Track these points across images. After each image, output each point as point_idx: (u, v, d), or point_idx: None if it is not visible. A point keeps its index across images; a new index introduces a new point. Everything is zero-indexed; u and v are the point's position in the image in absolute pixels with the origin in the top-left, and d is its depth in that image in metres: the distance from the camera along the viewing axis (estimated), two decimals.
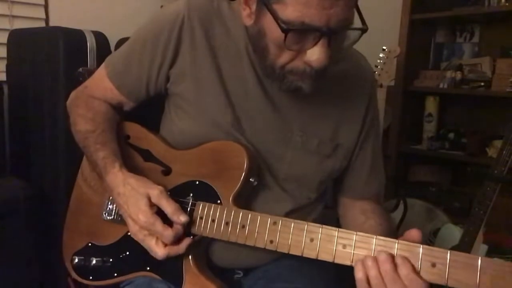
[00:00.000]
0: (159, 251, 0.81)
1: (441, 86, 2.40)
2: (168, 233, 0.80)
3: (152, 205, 0.82)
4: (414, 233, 0.69)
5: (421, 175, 2.55)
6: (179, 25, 0.88)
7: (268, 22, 0.75)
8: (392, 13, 2.51)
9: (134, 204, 0.82)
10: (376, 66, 2.05)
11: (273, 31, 0.75)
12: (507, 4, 2.19)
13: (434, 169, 2.54)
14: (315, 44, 0.74)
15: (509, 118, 1.61)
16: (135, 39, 0.96)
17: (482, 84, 2.27)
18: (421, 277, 0.65)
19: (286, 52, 0.77)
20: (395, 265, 0.66)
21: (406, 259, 0.66)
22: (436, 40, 2.66)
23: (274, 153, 0.91)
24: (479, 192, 1.51)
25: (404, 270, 0.65)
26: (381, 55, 2.06)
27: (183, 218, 0.81)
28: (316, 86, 0.81)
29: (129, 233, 0.85)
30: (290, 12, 0.71)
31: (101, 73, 0.99)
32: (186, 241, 0.82)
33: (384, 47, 2.06)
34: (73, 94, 1.04)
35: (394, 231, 0.71)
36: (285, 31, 0.72)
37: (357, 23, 0.77)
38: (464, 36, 2.57)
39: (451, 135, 2.46)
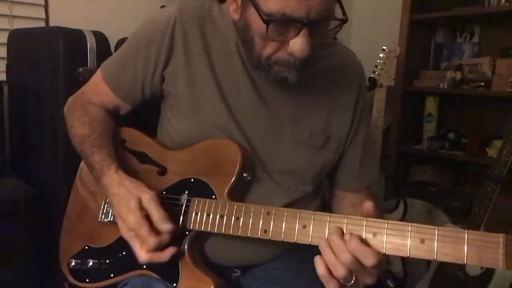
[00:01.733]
0: (142, 255, 0.81)
1: (441, 86, 2.40)
2: (152, 240, 0.80)
3: (142, 208, 0.83)
4: (367, 205, 0.71)
5: (421, 175, 2.55)
6: (171, 27, 0.91)
7: (252, 14, 0.78)
8: (392, 13, 2.51)
9: (125, 204, 0.83)
10: (376, 66, 2.05)
11: (256, 23, 0.78)
12: (507, 4, 2.19)
13: (434, 169, 2.54)
14: (297, 34, 0.76)
15: (509, 118, 1.61)
16: (129, 43, 0.98)
17: (482, 84, 2.27)
18: (371, 247, 0.67)
19: (270, 44, 0.80)
20: (344, 241, 0.68)
21: (353, 234, 0.68)
22: (436, 40, 2.66)
23: (267, 147, 0.92)
24: (479, 192, 1.52)
25: (353, 244, 0.67)
26: (381, 55, 2.06)
27: (168, 226, 0.81)
28: (304, 78, 0.84)
29: None
30: (271, 4, 0.74)
31: (97, 77, 1.01)
32: (171, 250, 0.83)
33: (384, 47, 2.06)
34: (70, 100, 1.06)
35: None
36: (266, 23, 0.75)
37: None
38: (464, 36, 2.57)
39: (451, 135, 2.46)
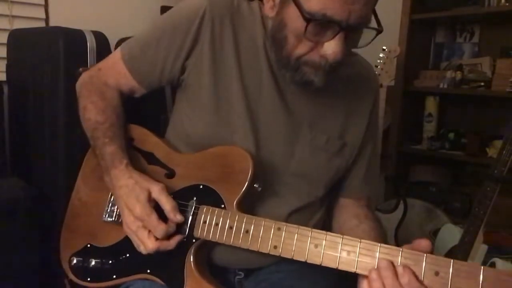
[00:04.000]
0: (150, 244, 0.82)
1: (441, 86, 2.40)
2: (162, 227, 0.82)
3: (151, 199, 0.84)
4: (424, 243, 0.69)
5: (421, 175, 2.55)
6: (199, 18, 0.90)
7: (291, 13, 0.78)
8: (392, 13, 2.51)
9: (135, 196, 0.84)
10: (376, 66, 2.05)
11: (294, 21, 0.78)
12: (507, 4, 2.19)
13: (434, 169, 2.54)
14: (333, 37, 0.77)
15: (509, 118, 1.61)
16: (155, 27, 0.97)
17: (482, 84, 2.27)
18: (423, 284, 0.66)
19: (304, 44, 0.80)
20: (396, 273, 0.67)
21: (407, 267, 0.67)
22: (436, 40, 2.66)
23: (283, 149, 0.92)
24: (479, 192, 1.51)
25: (405, 277, 0.66)
26: (381, 55, 2.06)
27: (179, 217, 0.83)
28: (326, 84, 0.84)
29: None
30: (314, 3, 0.74)
31: (116, 56, 1.00)
32: (177, 238, 0.84)
33: (384, 47, 2.06)
34: (86, 76, 1.03)
35: (385, 238, 0.75)
36: (307, 21, 0.75)
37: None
38: (464, 36, 2.57)
39: (451, 135, 2.46)
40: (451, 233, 1.74)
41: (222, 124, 0.90)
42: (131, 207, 0.83)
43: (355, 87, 0.98)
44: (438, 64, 2.62)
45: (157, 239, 0.83)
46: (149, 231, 0.83)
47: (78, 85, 1.03)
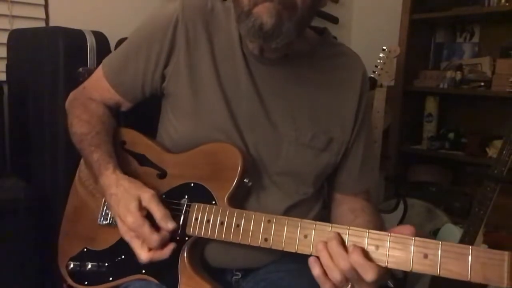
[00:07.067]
0: (143, 255, 0.81)
1: (441, 86, 2.40)
2: (154, 238, 0.80)
3: (142, 208, 0.82)
4: (408, 230, 0.68)
5: (421, 175, 2.55)
6: (173, 24, 0.91)
7: None
8: (392, 13, 2.51)
9: (125, 205, 0.82)
10: (376, 66, 2.06)
11: None
12: (507, 4, 2.19)
13: (434, 169, 2.54)
14: None
15: (509, 118, 1.61)
16: (131, 40, 0.98)
17: (482, 84, 2.27)
18: (372, 262, 0.67)
19: None
20: (345, 249, 0.68)
21: (356, 246, 0.68)
22: (436, 40, 2.66)
23: (269, 149, 0.91)
24: (479, 192, 1.51)
25: (353, 256, 0.67)
26: (381, 55, 2.06)
27: (170, 225, 0.82)
28: (306, 79, 0.84)
29: None
30: None
31: (98, 73, 1.01)
32: (170, 247, 0.83)
33: (384, 47, 2.06)
34: (71, 95, 1.05)
35: (383, 229, 0.75)
36: None
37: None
38: (464, 36, 2.57)
39: (451, 135, 2.46)
40: (451, 233, 1.74)
41: (206, 128, 0.90)
42: (123, 217, 0.82)
43: (339, 79, 0.96)
44: (438, 64, 2.62)
45: (151, 248, 0.82)
46: (143, 240, 0.82)
47: (66, 105, 1.05)
